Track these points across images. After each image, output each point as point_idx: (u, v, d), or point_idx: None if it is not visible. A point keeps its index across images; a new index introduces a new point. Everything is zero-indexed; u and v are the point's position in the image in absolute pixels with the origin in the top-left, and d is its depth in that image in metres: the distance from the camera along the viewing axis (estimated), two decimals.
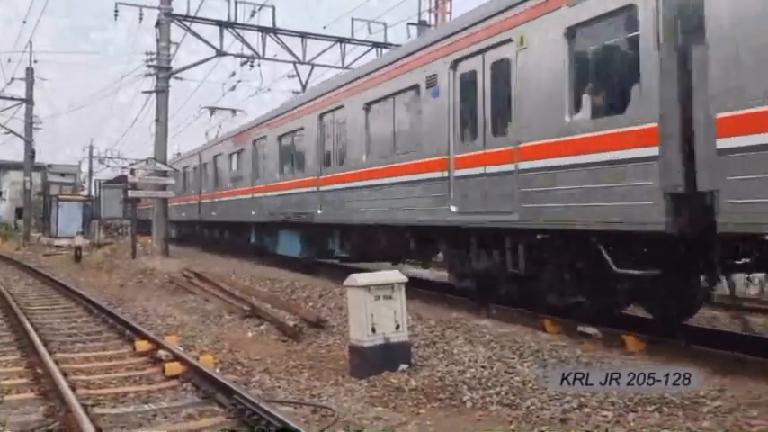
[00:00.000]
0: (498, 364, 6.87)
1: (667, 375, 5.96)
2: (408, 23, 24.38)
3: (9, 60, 65.08)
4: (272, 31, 22.79)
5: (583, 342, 7.91)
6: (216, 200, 24.50)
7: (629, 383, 6.05)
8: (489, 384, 6.34)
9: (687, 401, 5.57)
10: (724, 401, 5.50)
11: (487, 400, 5.98)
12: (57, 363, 7.16)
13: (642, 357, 7.15)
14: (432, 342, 7.97)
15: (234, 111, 34.85)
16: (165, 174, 21.96)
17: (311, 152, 15.63)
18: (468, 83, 9.77)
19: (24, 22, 78.13)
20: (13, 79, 37.99)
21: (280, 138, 18.32)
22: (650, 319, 8.84)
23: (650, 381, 6.07)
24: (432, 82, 10.54)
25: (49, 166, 55.20)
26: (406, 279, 7.44)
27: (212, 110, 34.80)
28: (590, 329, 8.38)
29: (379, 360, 6.94)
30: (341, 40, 23.94)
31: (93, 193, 51.61)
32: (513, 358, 7.06)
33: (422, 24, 24.95)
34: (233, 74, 26.74)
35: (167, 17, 21.69)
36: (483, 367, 6.80)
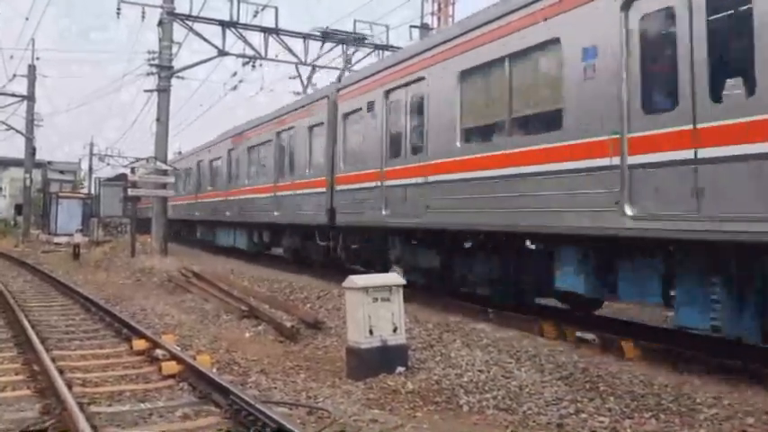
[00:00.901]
0: (495, 368, 6.86)
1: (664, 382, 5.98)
2: (411, 26, 24.46)
3: (11, 57, 65.39)
4: (275, 31, 22.82)
5: (580, 347, 7.91)
6: (384, 185, 11.94)
7: (626, 389, 6.06)
8: (486, 388, 6.34)
9: (684, 408, 5.57)
10: (721, 409, 5.50)
11: (484, 405, 5.98)
12: (53, 360, 7.15)
13: (639, 363, 7.14)
14: (429, 345, 7.96)
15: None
16: (165, 173, 21.95)
17: None
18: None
19: (27, 19, 78.21)
20: (15, 75, 38.10)
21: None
22: (649, 325, 8.89)
23: (647, 387, 6.08)
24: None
25: (49, 163, 55.19)
26: (404, 281, 7.44)
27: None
28: (588, 335, 8.37)
29: (376, 362, 6.94)
30: (343, 42, 23.96)
31: (92, 191, 51.61)
32: (511, 362, 7.05)
33: (424, 27, 24.98)
34: (234, 74, 26.75)
35: (170, 16, 21.70)
36: (480, 371, 6.80)
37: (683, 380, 6.35)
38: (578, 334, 8.43)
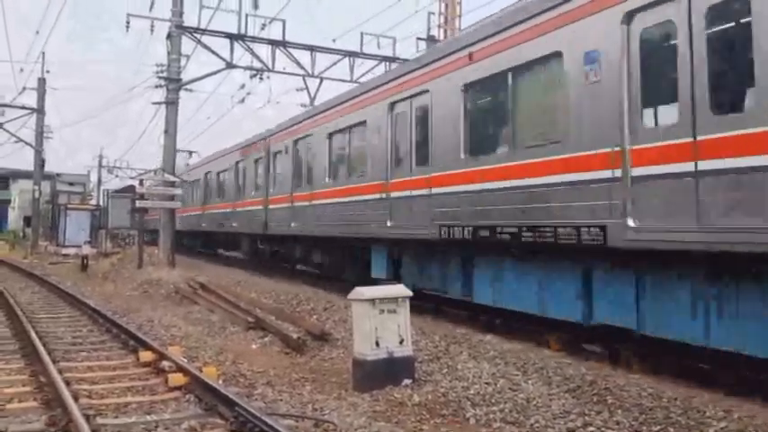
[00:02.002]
0: (502, 380, 6.83)
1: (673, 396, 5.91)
2: (417, 38, 24.54)
3: (21, 70, 66.06)
4: (282, 44, 22.92)
5: (587, 359, 7.86)
6: None
7: (634, 402, 6.01)
8: (493, 401, 6.30)
9: (693, 422, 5.51)
10: (730, 422, 5.43)
11: (491, 417, 5.94)
12: (60, 372, 7.16)
13: (648, 376, 7.08)
14: (436, 357, 7.94)
15: None
16: (172, 184, 22.05)
17: None
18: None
19: (37, 32, 79.11)
20: (24, 88, 38.36)
21: None
22: (655, 338, 8.80)
23: (656, 400, 6.03)
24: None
25: (58, 175, 55.65)
26: (410, 293, 7.42)
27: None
28: (595, 347, 8.32)
29: (382, 374, 6.91)
30: (350, 54, 24.09)
31: (101, 203, 51.87)
32: (518, 375, 7.02)
33: (430, 39, 25.06)
34: (242, 86, 26.86)
35: (178, 29, 21.86)
36: (487, 384, 6.76)
37: (691, 393, 6.28)
38: (585, 346, 8.39)
